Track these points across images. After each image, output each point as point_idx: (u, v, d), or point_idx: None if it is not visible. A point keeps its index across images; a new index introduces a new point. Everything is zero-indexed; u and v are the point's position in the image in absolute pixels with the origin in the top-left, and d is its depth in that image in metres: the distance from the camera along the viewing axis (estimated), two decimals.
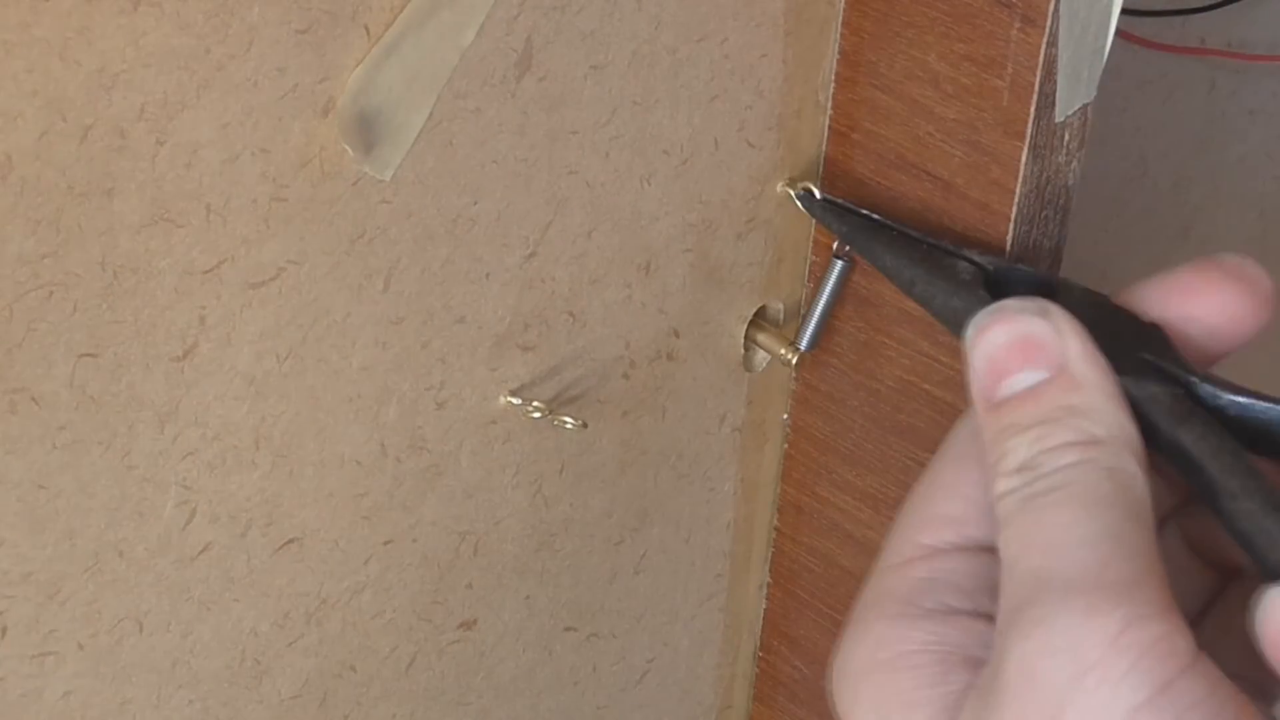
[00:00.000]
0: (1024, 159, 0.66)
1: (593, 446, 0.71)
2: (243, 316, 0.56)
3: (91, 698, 0.59)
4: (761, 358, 0.75)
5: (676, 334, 0.71)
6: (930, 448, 0.74)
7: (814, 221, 0.72)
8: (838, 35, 0.68)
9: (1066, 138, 0.67)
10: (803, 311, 0.74)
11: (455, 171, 0.60)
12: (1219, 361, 0.57)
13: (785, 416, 0.78)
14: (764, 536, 0.81)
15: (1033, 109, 0.65)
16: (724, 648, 0.84)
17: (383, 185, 0.58)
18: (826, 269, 0.72)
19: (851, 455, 0.77)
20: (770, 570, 0.83)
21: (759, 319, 0.74)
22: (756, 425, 0.78)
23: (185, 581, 0.60)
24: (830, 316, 0.73)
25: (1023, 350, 0.54)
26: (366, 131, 0.56)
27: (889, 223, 0.67)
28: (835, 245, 0.72)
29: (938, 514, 0.55)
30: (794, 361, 0.73)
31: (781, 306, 0.74)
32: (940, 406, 0.73)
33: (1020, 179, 0.66)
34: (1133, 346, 0.56)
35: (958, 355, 0.71)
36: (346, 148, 0.56)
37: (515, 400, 0.66)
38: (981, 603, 0.53)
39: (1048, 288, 0.60)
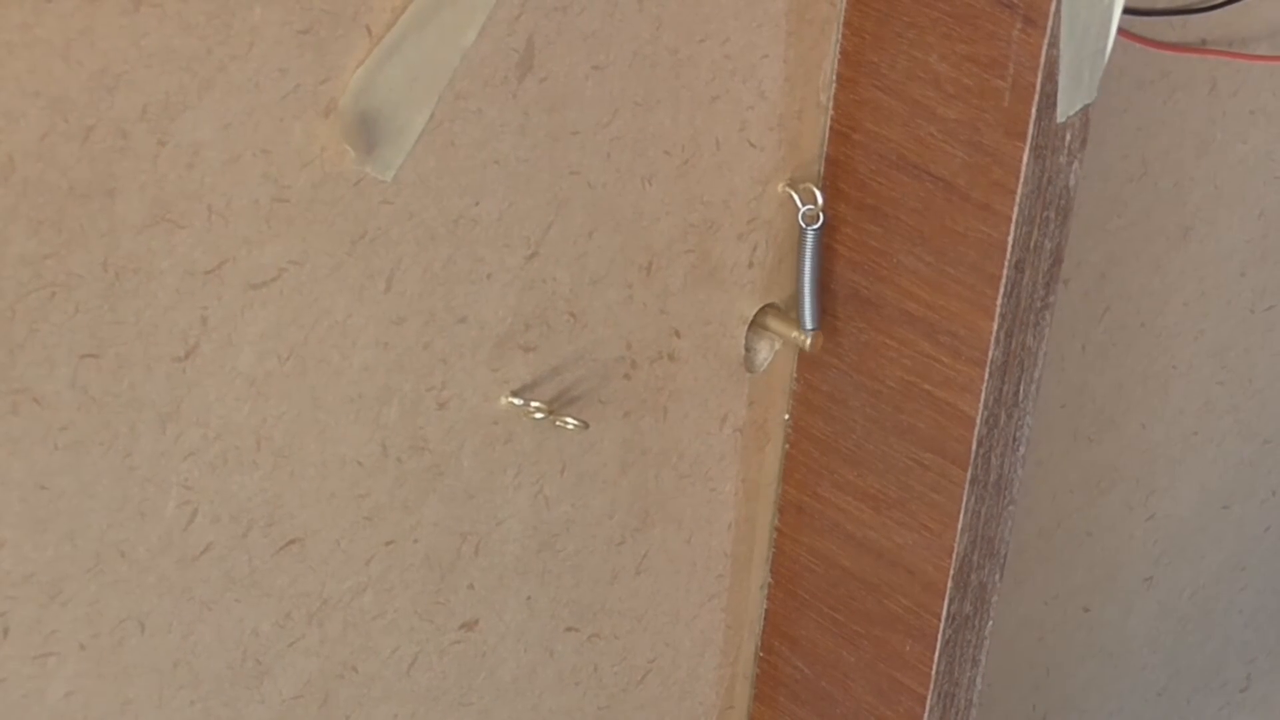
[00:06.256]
0: (1025, 159, 0.66)
1: (594, 447, 0.71)
2: (244, 317, 0.56)
3: (93, 698, 0.59)
4: (763, 358, 0.75)
5: (678, 334, 0.71)
6: (931, 448, 0.74)
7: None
8: (839, 36, 0.68)
9: (1067, 138, 0.67)
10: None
11: (457, 172, 0.60)
12: None
13: (786, 417, 0.78)
14: (765, 537, 0.81)
15: (1034, 110, 0.65)
16: (725, 648, 0.84)
17: (384, 186, 0.58)
18: (799, 242, 0.72)
19: (852, 455, 0.77)
20: (771, 570, 0.83)
21: (768, 308, 0.74)
22: (758, 426, 0.78)
23: (187, 582, 0.60)
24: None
25: None
26: (368, 132, 0.56)
27: None
28: (801, 212, 0.71)
29: None
30: (807, 343, 0.73)
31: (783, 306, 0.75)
32: (941, 406, 0.73)
33: (1021, 179, 0.66)
34: None
35: (958, 355, 0.71)
36: (348, 148, 0.56)
37: (517, 401, 0.66)
38: None
39: None
